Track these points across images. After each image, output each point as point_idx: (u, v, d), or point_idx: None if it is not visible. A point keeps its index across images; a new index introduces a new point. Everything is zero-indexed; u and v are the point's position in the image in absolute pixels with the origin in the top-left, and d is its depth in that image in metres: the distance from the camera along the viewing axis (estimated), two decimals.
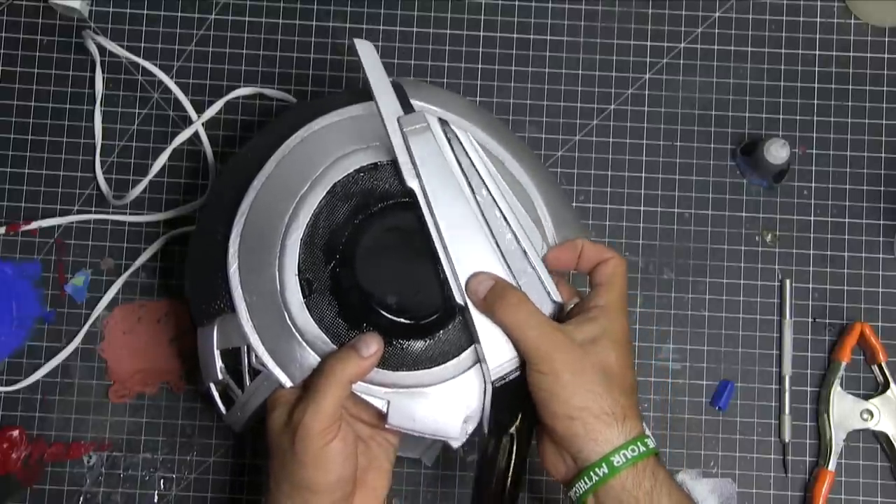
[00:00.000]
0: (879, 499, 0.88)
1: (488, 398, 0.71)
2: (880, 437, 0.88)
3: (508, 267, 0.72)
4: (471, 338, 0.72)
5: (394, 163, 0.74)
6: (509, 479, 0.71)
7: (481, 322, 0.71)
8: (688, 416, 0.89)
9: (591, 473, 0.67)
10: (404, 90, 0.75)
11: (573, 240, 0.75)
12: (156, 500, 0.88)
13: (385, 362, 0.71)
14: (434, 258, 0.72)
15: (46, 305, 0.89)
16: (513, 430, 0.71)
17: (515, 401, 0.71)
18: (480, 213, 0.72)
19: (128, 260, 0.90)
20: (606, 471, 0.67)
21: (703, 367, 0.90)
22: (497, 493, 0.71)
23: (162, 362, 0.89)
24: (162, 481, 0.88)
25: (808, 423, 0.89)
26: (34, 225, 0.89)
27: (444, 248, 0.71)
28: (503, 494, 0.71)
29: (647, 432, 0.70)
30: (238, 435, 0.86)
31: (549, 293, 0.72)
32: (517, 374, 0.70)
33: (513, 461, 0.71)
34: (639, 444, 0.68)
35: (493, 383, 0.70)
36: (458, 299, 0.71)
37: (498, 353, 0.70)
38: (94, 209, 0.91)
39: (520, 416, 0.71)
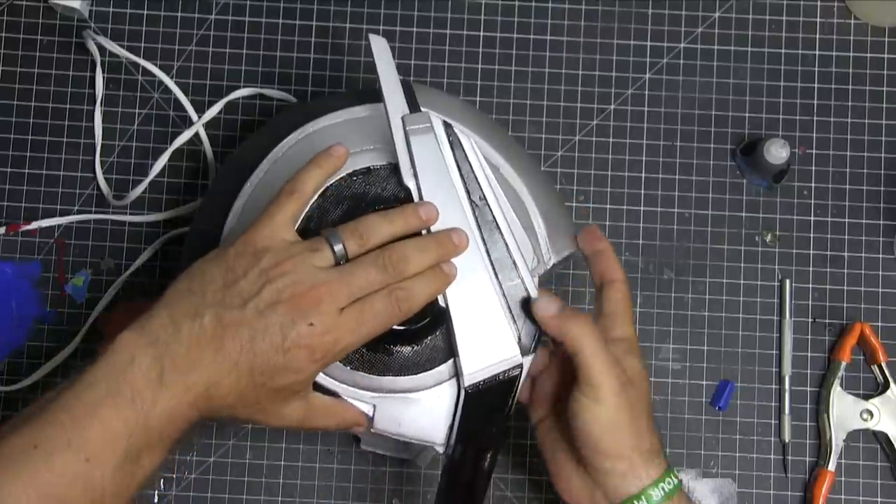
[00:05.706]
0: (879, 499, 0.88)
1: (461, 403, 0.71)
2: (880, 437, 0.88)
3: (496, 275, 0.71)
4: None
5: (391, 163, 0.74)
6: (476, 487, 0.71)
7: (461, 327, 0.70)
8: (688, 416, 0.89)
9: None
10: (413, 91, 0.75)
11: (601, 236, 0.75)
12: (156, 500, 0.88)
13: (372, 367, 0.71)
14: None
15: (46, 305, 0.90)
16: (483, 437, 0.71)
17: (488, 408, 0.71)
18: (474, 220, 0.72)
19: (128, 260, 0.90)
20: None
21: (703, 367, 0.90)
22: (461, 500, 0.72)
23: None
24: (162, 481, 0.88)
25: (808, 423, 0.89)
26: (34, 225, 0.90)
27: None
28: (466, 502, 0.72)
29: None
30: (238, 435, 0.86)
31: None
32: (492, 382, 0.70)
33: (484, 467, 0.71)
34: (672, 476, 0.69)
35: (466, 389, 0.70)
36: (441, 301, 0.70)
37: (474, 358, 0.70)
38: (94, 209, 0.91)
39: (491, 424, 0.71)
